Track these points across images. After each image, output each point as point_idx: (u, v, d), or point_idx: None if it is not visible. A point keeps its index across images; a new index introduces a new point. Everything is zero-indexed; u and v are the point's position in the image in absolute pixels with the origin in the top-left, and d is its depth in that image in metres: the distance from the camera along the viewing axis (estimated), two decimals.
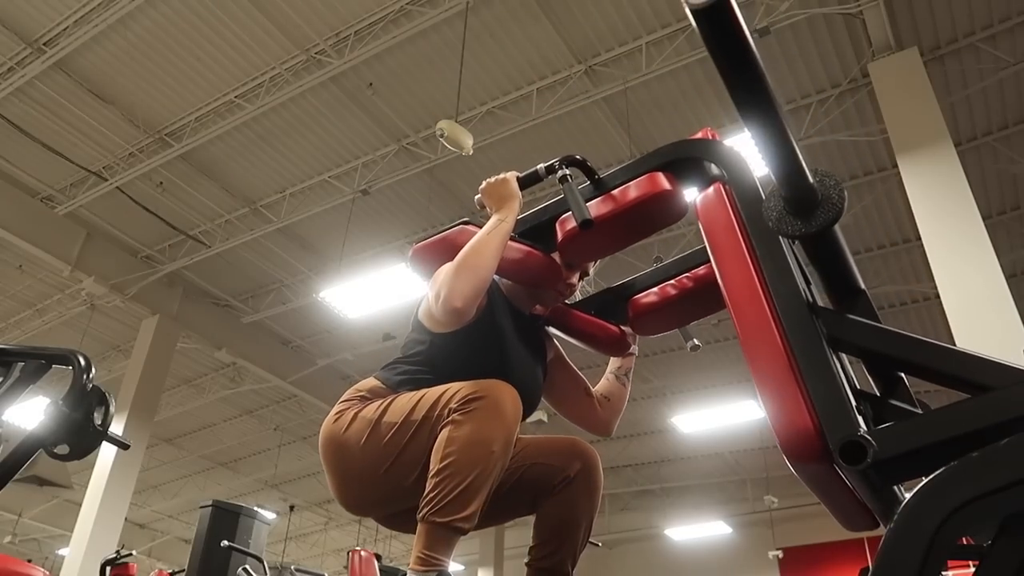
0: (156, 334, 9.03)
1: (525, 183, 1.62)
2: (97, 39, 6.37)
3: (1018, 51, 6.02)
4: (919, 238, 5.17)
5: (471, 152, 5.60)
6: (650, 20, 6.10)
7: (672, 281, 1.64)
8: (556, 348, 1.84)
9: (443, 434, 1.39)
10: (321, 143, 7.46)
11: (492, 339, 1.60)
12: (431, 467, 1.39)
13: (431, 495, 1.36)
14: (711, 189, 1.27)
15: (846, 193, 1.03)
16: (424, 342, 1.62)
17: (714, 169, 1.39)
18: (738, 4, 0.80)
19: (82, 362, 1.37)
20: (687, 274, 1.63)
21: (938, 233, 4.94)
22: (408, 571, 1.37)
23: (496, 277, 1.66)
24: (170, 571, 6.83)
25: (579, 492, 1.61)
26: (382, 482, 1.49)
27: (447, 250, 1.59)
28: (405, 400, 1.50)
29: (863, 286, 1.28)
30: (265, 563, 5.04)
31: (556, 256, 1.62)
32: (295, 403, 11.79)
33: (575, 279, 1.70)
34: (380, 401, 1.54)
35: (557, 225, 1.54)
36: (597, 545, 4.71)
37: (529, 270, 1.62)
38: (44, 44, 6.46)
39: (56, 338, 9.95)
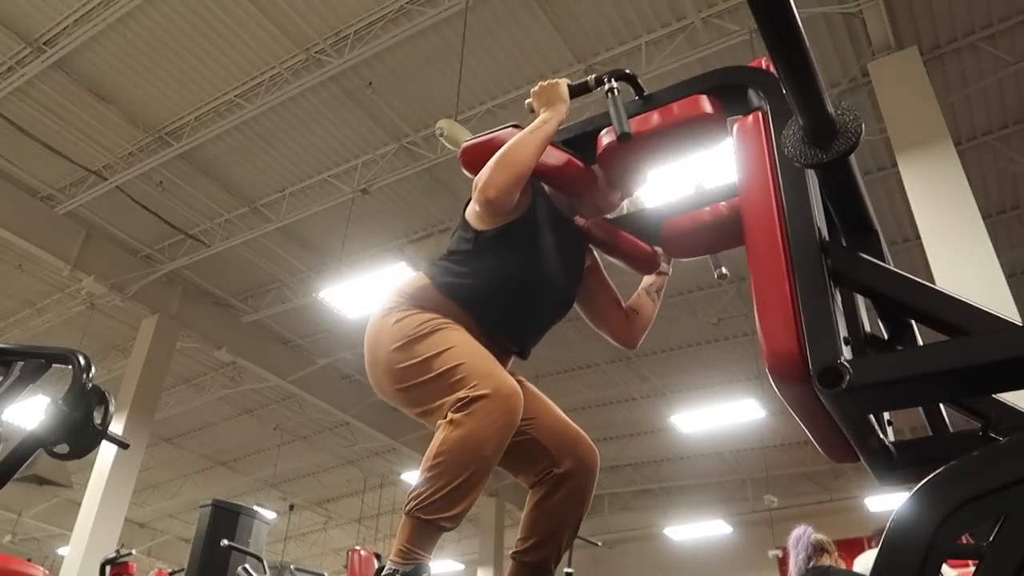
0: (156, 333, 9.03)
1: (575, 91, 1.68)
2: (97, 39, 6.37)
3: (1018, 51, 6.02)
4: (919, 237, 5.17)
5: None
6: (650, 20, 6.09)
7: (708, 208, 1.65)
8: (594, 258, 1.88)
9: (439, 433, 1.42)
10: (321, 142, 7.45)
11: (531, 241, 1.65)
12: (423, 462, 1.41)
13: (419, 491, 1.38)
14: (750, 117, 1.29)
15: (863, 125, 1.04)
16: (469, 240, 1.67)
17: (758, 99, 1.40)
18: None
19: (82, 361, 1.37)
20: (724, 203, 1.63)
21: (938, 232, 4.94)
22: (388, 562, 1.39)
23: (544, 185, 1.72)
24: (170, 570, 6.82)
25: (568, 494, 1.62)
26: (394, 392, 1.59)
27: (494, 149, 1.63)
28: (437, 338, 1.54)
29: (876, 227, 1.30)
30: (265, 562, 5.04)
31: (596, 168, 1.66)
32: (295, 402, 11.79)
33: (616, 198, 1.74)
34: (421, 320, 1.57)
35: (600, 137, 1.58)
36: (597, 544, 4.71)
37: (567, 177, 1.66)
38: (44, 44, 6.45)
39: (56, 337, 9.94)
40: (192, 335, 9.60)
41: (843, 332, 1.03)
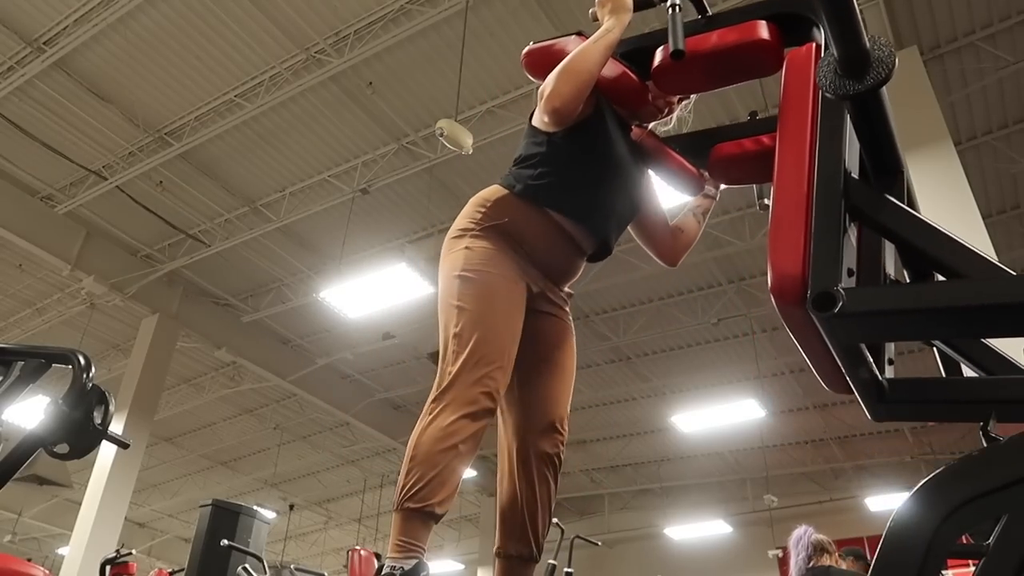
0: (156, 333, 9.04)
1: (640, 3, 1.71)
2: (97, 38, 6.37)
3: (1018, 50, 6.02)
4: None
5: (471, 151, 5.60)
6: (650, 19, 6.09)
7: (754, 138, 1.64)
8: (647, 172, 1.90)
9: (417, 425, 1.48)
10: (321, 142, 7.45)
11: (602, 137, 1.67)
12: (405, 455, 1.46)
13: (402, 484, 1.42)
14: (804, 47, 1.29)
15: (896, 57, 1.06)
16: (541, 143, 1.68)
17: (817, 31, 1.40)
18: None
19: (82, 361, 1.37)
20: (769, 135, 1.63)
21: None
22: (386, 559, 1.40)
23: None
24: (170, 570, 6.83)
25: (530, 480, 1.64)
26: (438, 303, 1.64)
27: (557, 55, 1.65)
28: (478, 290, 1.55)
29: (904, 168, 1.32)
30: (265, 562, 5.04)
31: (649, 84, 1.68)
32: (295, 402, 11.79)
33: (674, 97, 1.77)
34: (481, 260, 1.58)
35: (657, 53, 1.58)
36: (597, 544, 4.72)
37: (620, 91, 1.69)
38: (44, 43, 6.45)
39: (56, 337, 9.94)
40: (192, 335, 9.60)
41: (849, 264, 1.05)
